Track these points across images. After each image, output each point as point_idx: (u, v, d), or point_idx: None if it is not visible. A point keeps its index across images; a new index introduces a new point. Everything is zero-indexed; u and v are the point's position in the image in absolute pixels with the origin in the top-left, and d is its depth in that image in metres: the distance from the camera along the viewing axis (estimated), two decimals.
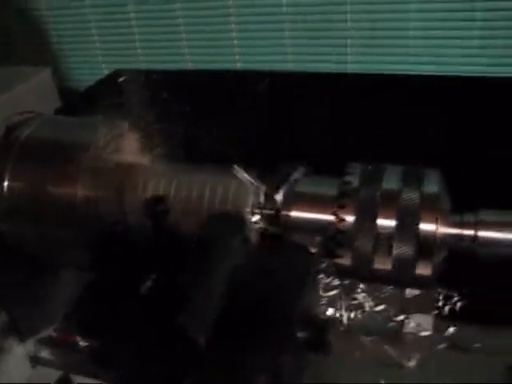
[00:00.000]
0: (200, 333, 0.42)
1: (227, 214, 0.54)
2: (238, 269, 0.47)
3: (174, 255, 0.50)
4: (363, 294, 0.73)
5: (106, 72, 1.34)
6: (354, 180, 0.60)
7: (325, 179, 0.64)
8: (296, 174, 0.62)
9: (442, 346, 0.67)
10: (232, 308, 0.45)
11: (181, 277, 0.48)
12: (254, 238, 0.49)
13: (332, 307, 0.72)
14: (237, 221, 0.51)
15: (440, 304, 0.73)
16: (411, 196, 0.58)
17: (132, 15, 1.36)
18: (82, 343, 0.72)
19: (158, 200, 0.52)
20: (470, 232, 0.58)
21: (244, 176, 0.63)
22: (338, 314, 0.71)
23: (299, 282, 0.52)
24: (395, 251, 0.57)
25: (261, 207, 0.63)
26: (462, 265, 0.63)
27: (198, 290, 0.45)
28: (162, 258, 0.51)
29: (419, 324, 0.68)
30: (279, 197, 0.63)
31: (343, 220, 0.58)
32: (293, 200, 0.63)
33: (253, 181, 0.64)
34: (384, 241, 0.57)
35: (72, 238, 0.66)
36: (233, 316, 0.45)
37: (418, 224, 0.57)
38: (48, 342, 0.75)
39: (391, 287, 0.67)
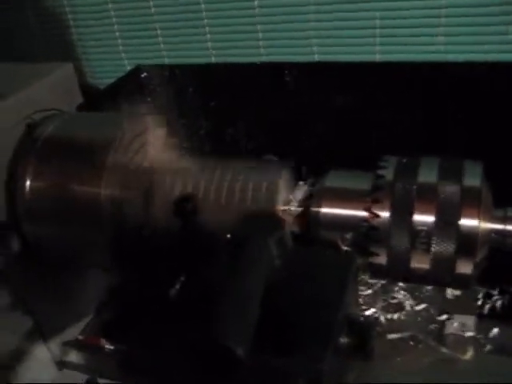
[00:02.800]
0: (239, 343, 0.39)
1: (263, 213, 0.52)
2: (275, 271, 0.45)
3: (204, 256, 0.48)
4: (403, 293, 0.70)
5: (129, 68, 1.33)
6: (387, 173, 0.58)
7: (356, 173, 0.62)
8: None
9: (488, 348, 0.64)
10: (270, 312, 0.43)
11: (212, 279, 0.45)
12: (290, 237, 0.46)
13: (371, 307, 0.70)
14: (273, 219, 0.48)
15: (480, 303, 0.71)
16: (451, 190, 0.55)
17: (153, 10, 1.35)
18: (108, 346, 0.71)
19: (187, 199, 0.50)
20: None
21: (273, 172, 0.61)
22: (376, 314, 0.69)
23: (339, 284, 0.49)
24: (434, 249, 0.54)
25: (291, 204, 0.60)
26: (504, 261, 0.59)
27: (232, 293, 0.42)
28: (190, 258, 0.49)
29: (463, 324, 0.66)
30: (309, 192, 0.61)
31: (377, 216, 0.56)
32: (323, 195, 0.60)
33: (283, 177, 0.61)
34: (422, 238, 0.54)
35: (96, 239, 0.64)
36: (271, 320, 0.43)
37: (458, 220, 0.54)
38: (74, 346, 0.74)
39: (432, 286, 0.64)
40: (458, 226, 0.54)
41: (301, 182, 0.64)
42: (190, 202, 0.49)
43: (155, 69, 1.08)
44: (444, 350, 0.64)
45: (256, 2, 1.23)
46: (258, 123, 0.97)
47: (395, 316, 0.71)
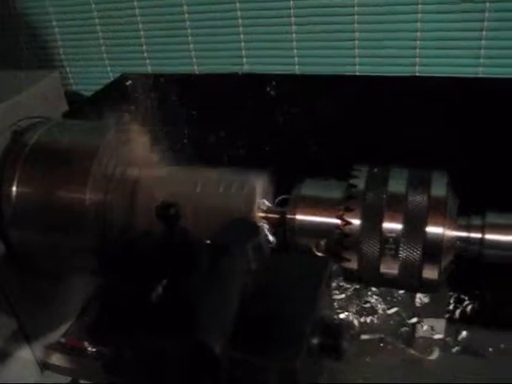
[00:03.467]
0: (216, 340, 0.41)
1: (241, 220, 0.54)
2: (252, 274, 0.47)
3: (186, 261, 0.50)
4: (375, 297, 0.73)
5: (112, 76, 1.34)
6: (360, 183, 0.60)
7: (330, 182, 0.64)
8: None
9: (456, 349, 0.67)
10: (246, 314, 0.45)
11: (193, 283, 0.47)
12: (266, 243, 0.49)
13: (344, 310, 0.72)
14: (251, 226, 0.50)
15: (451, 307, 0.73)
16: (418, 199, 0.58)
17: (139, 19, 1.37)
18: (91, 349, 0.72)
19: (170, 205, 0.52)
20: (477, 235, 0.58)
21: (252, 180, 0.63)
22: (350, 318, 0.71)
23: (313, 287, 0.52)
24: (402, 255, 0.57)
25: (267, 211, 0.63)
26: (472, 268, 0.62)
27: (211, 295, 0.45)
28: (172, 263, 0.51)
29: (432, 327, 0.68)
30: (285, 200, 0.63)
31: (349, 223, 0.58)
32: (298, 203, 0.63)
33: (260, 185, 0.64)
34: (390, 244, 0.57)
35: (81, 244, 0.66)
36: (247, 321, 0.45)
37: (424, 227, 0.57)
38: (57, 348, 0.76)
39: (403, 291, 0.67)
40: (424, 234, 0.56)
41: (277, 190, 0.66)
42: (173, 208, 0.51)
43: (140, 77, 1.10)
44: (412, 351, 0.67)
45: (239, 13, 1.26)
46: (240, 132, 1.00)
47: (368, 319, 0.73)
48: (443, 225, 0.57)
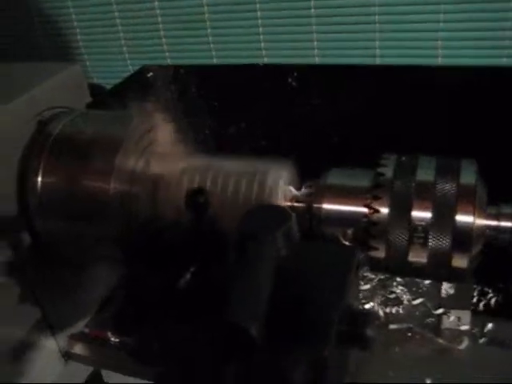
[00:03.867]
0: (252, 323, 0.41)
1: (271, 207, 0.54)
2: (280, 263, 0.47)
3: (215, 248, 0.50)
4: (401, 288, 0.72)
5: (131, 68, 1.35)
6: (387, 171, 0.60)
7: (357, 171, 0.64)
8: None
9: (483, 340, 0.66)
10: (275, 302, 0.45)
11: (222, 270, 0.47)
12: (296, 230, 0.48)
13: (369, 301, 0.72)
14: (280, 213, 0.50)
15: (475, 300, 0.73)
16: (447, 187, 0.57)
17: (158, 11, 1.37)
18: (114, 339, 0.73)
19: (199, 192, 0.52)
20: (508, 224, 0.57)
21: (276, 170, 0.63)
22: (375, 308, 0.71)
23: (342, 276, 0.51)
24: (431, 244, 0.56)
25: (293, 200, 0.62)
26: (495, 259, 0.62)
27: (243, 281, 0.44)
28: (201, 251, 0.51)
29: (459, 318, 0.68)
30: (311, 189, 0.63)
31: (377, 211, 0.58)
32: (325, 192, 0.62)
33: (284, 174, 0.63)
34: (419, 233, 0.56)
35: (106, 234, 0.66)
36: (276, 309, 0.45)
37: (454, 216, 0.56)
38: (80, 338, 0.76)
39: (429, 281, 0.66)
40: (453, 222, 0.56)
41: (304, 180, 0.66)
42: (202, 195, 0.51)
43: (160, 69, 1.10)
44: (440, 340, 0.66)
45: (258, 5, 1.25)
46: (261, 123, 0.99)
47: (393, 310, 0.73)
48: (473, 213, 0.56)
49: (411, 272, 0.60)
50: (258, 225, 0.48)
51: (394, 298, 0.74)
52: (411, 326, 0.68)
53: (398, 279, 0.75)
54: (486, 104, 0.84)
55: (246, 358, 0.41)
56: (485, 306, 0.75)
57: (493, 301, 0.75)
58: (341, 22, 1.20)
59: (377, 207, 0.58)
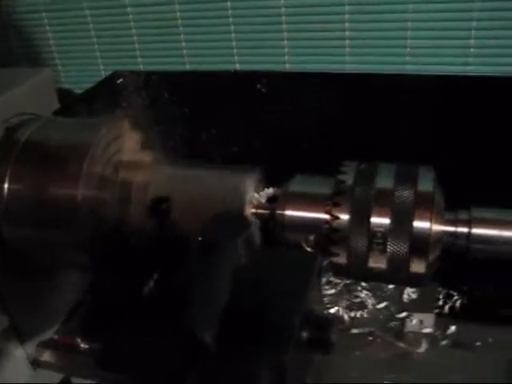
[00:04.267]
0: (206, 331, 0.42)
1: (232, 215, 0.55)
2: (241, 269, 0.48)
3: (177, 255, 0.51)
4: (365, 292, 0.74)
5: (104, 74, 1.35)
6: (348, 178, 0.61)
7: (319, 178, 0.65)
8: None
9: (444, 342, 0.68)
10: (236, 308, 0.46)
11: (184, 277, 0.48)
12: (256, 237, 0.49)
13: (334, 305, 0.73)
14: (241, 220, 0.51)
15: (440, 303, 0.74)
16: (405, 194, 0.58)
17: (131, 17, 1.37)
18: (84, 346, 0.73)
19: (162, 200, 0.52)
20: (464, 229, 0.59)
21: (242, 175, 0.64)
22: (340, 312, 0.72)
23: (302, 282, 0.52)
24: (389, 249, 0.58)
25: (257, 207, 0.63)
26: (460, 263, 0.63)
27: (202, 290, 0.45)
28: (164, 258, 0.51)
29: (421, 321, 0.69)
30: (275, 196, 0.64)
31: (337, 218, 0.59)
32: (287, 199, 0.63)
33: (251, 180, 0.64)
34: (378, 239, 0.58)
35: (73, 240, 0.66)
36: (237, 315, 0.45)
37: (412, 222, 0.57)
38: (49, 345, 0.76)
39: (393, 286, 0.67)
40: (411, 228, 0.57)
41: (268, 186, 0.67)
42: (165, 203, 0.51)
43: (131, 75, 1.10)
44: (401, 344, 0.68)
45: (230, 12, 1.26)
46: (232, 130, 1.00)
47: (358, 314, 0.74)
48: (430, 219, 0.57)
49: (372, 277, 0.61)
50: (219, 232, 0.49)
51: (359, 302, 0.75)
52: (373, 329, 0.70)
53: (363, 284, 0.76)
54: (448, 111, 0.86)
55: (200, 364, 0.42)
56: (450, 308, 0.76)
57: (458, 303, 0.77)
58: (311, 29, 1.22)
59: (337, 214, 0.59)
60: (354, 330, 0.70)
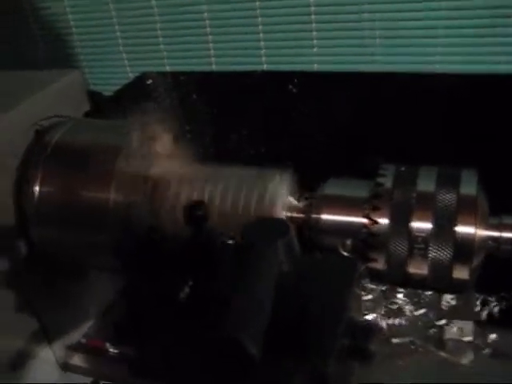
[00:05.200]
0: (253, 342, 0.40)
1: (271, 219, 0.53)
2: (283, 276, 0.46)
3: (214, 260, 0.50)
4: (403, 298, 0.72)
5: (131, 75, 1.35)
6: (387, 181, 0.59)
7: (356, 181, 0.63)
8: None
9: (486, 351, 0.66)
10: (278, 315, 0.44)
11: (222, 282, 0.47)
12: (296, 242, 0.48)
13: (371, 312, 0.71)
14: (281, 225, 0.50)
15: (478, 309, 0.72)
16: (448, 198, 0.56)
17: (157, 18, 1.37)
18: (112, 350, 0.72)
19: (197, 205, 0.51)
20: (509, 234, 0.57)
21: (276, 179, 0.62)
22: (377, 319, 0.70)
23: (343, 289, 0.51)
24: (431, 255, 0.56)
25: (292, 210, 0.62)
26: (496, 267, 0.61)
27: (245, 296, 0.44)
28: (199, 264, 0.50)
29: (461, 329, 0.67)
30: (310, 200, 0.62)
31: (376, 222, 0.57)
32: (323, 203, 0.62)
33: (285, 184, 0.63)
34: (419, 244, 0.56)
35: (104, 243, 0.65)
36: (279, 323, 0.44)
37: (454, 227, 0.55)
38: (78, 349, 0.75)
39: (431, 292, 0.65)
40: (454, 233, 0.55)
41: (301, 189, 0.66)
42: (201, 209, 0.50)
43: (160, 76, 1.10)
44: (443, 354, 0.66)
45: (258, 11, 1.25)
46: (260, 130, 0.99)
47: (396, 321, 0.72)
48: (474, 224, 0.55)
49: (412, 283, 0.59)
50: (259, 236, 0.48)
51: (397, 309, 0.73)
52: (413, 339, 0.68)
53: (400, 289, 0.74)
54: (483, 112, 0.84)
55: (244, 376, 0.40)
56: (488, 315, 0.74)
57: (496, 310, 0.75)
58: (339, 32, 1.20)
59: (376, 218, 0.57)
60: (395, 340, 0.68)
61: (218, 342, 0.41)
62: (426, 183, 0.58)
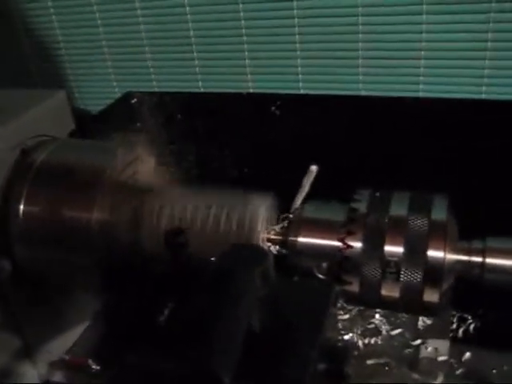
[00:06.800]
0: (225, 369, 0.41)
1: (249, 245, 0.54)
2: (260, 299, 0.47)
3: (192, 284, 0.50)
4: (379, 318, 0.73)
5: (119, 93, 1.36)
6: (361, 206, 0.61)
7: (332, 205, 0.65)
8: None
9: (460, 371, 0.67)
10: (253, 340, 0.45)
11: (200, 307, 0.47)
12: (272, 268, 0.49)
13: (348, 332, 0.72)
14: (258, 252, 0.51)
15: (454, 326, 0.73)
16: (419, 223, 0.58)
17: (145, 39, 1.39)
18: (95, 367, 0.72)
19: (178, 232, 0.52)
20: (478, 259, 0.58)
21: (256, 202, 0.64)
22: (354, 339, 0.71)
23: (319, 313, 0.52)
24: (403, 278, 0.57)
25: (270, 233, 0.63)
26: (474, 288, 0.63)
27: (217, 321, 0.45)
28: (179, 287, 0.51)
29: (436, 349, 0.68)
30: (287, 223, 0.64)
31: (350, 247, 0.59)
32: (300, 225, 0.63)
33: (264, 207, 0.64)
34: (392, 268, 0.57)
35: (87, 263, 0.66)
36: (253, 347, 0.45)
37: (426, 251, 0.57)
38: (60, 366, 0.76)
39: None
40: (425, 257, 0.57)
41: (281, 212, 0.67)
42: (181, 236, 0.51)
43: (145, 95, 1.11)
44: (416, 375, 0.67)
45: (244, 31, 1.27)
46: (244, 151, 1.01)
47: (372, 341, 0.73)
48: (444, 248, 0.57)
49: (384, 306, 0.61)
50: (236, 263, 0.49)
51: (373, 329, 0.74)
52: (388, 360, 0.69)
53: (377, 310, 0.75)
54: (462, 136, 0.86)
55: None
56: (464, 332, 0.75)
57: (472, 327, 0.76)
58: (325, 57, 1.22)
59: (350, 242, 0.59)
60: (369, 361, 0.70)
61: (191, 369, 0.42)
62: (398, 208, 0.60)
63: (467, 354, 0.71)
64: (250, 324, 0.46)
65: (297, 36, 1.23)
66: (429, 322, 0.75)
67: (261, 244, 0.61)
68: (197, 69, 1.34)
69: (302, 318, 0.52)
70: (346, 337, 0.73)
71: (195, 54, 1.34)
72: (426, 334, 0.73)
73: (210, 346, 0.42)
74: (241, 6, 1.25)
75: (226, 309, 0.45)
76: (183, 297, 0.50)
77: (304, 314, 0.53)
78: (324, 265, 0.60)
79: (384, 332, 0.74)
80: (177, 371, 0.45)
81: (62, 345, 0.80)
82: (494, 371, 0.68)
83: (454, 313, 0.76)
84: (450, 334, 0.74)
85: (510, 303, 0.71)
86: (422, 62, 1.15)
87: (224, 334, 0.43)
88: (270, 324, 0.49)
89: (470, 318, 0.77)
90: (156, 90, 1.39)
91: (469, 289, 0.62)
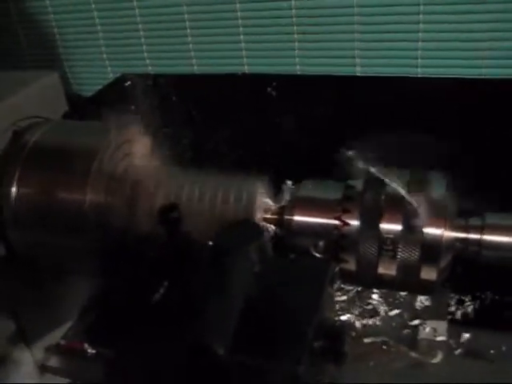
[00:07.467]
0: (220, 343, 0.41)
1: (244, 222, 0.54)
2: (255, 277, 0.47)
3: (188, 262, 0.50)
4: (377, 299, 0.73)
5: (112, 76, 1.35)
6: (358, 184, 0.60)
7: (328, 183, 0.64)
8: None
9: (458, 351, 0.67)
10: (249, 317, 0.45)
11: (195, 284, 0.47)
12: (269, 245, 0.49)
13: (346, 312, 0.72)
14: (253, 228, 0.50)
15: (452, 309, 0.73)
16: (417, 200, 0.57)
17: (139, 19, 1.37)
18: (91, 351, 0.72)
19: (171, 208, 0.52)
20: (476, 236, 0.58)
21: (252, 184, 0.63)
22: (352, 320, 0.71)
23: (316, 289, 0.51)
24: (400, 256, 0.57)
25: (267, 212, 0.63)
26: (471, 267, 0.62)
27: (214, 298, 0.45)
28: (174, 265, 0.51)
29: (435, 329, 0.68)
30: (283, 201, 0.63)
31: (347, 224, 0.58)
32: (296, 204, 0.63)
33: (260, 188, 0.64)
34: (388, 245, 0.57)
35: (81, 245, 0.65)
36: (251, 323, 0.45)
37: (423, 228, 0.56)
38: (56, 350, 0.75)
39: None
40: (422, 234, 0.56)
41: (278, 191, 0.67)
42: (174, 211, 0.51)
43: (139, 77, 1.10)
44: (414, 354, 0.66)
45: (239, 14, 1.26)
46: (240, 132, 1.00)
47: (370, 321, 0.73)
48: (442, 226, 0.57)
49: (381, 284, 0.60)
50: (232, 240, 0.48)
51: (371, 310, 0.74)
52: (386, 339, 0.69)
53: (375, 290, 0.75)
54: (460, 114, 0.85)
55: (213, 376, 0.41)
56: (462, 314, 0.75)
57: (470, 309, 0.76)
58: (322, 31, 1.21)
59: (347, 220, 0.58)
60: (367, 340, 0.69)
61: (188, 346, 0.42)
62: (395, 185, 0.59)
63: (466, 335, 0.71)
64: (247, 300, 0.46)
65: (293, 17, 1.22)
66: (427, 303, 0.74)
67: (258, 221, 0.61)
68: (192, 51, 1.33)
69: (298, 296, 0.52)
70: (344, 317, 0.73)
71: (189, 35, 1.33)
72: (424, 315, 0.73)
73: (205, 321, 0.42)
74: None
75: (222, 284, 0.45)
76: (178, 274, 0.50)
77: (301, 292, 0.52)
78: (321, 243, 0.59)
79: (382, 313, 0.74)
80: (172, 349, 0.45)
81: (57, 329, 0.80)
82: (492, 351, 0.68)
83: (453, 295, 0.76)
84: (449, 316, 0.73)
85: (508, 284, 0.71)
86: (420, 35, 1.13)
87: (219, 309, 0.43)
88: (266, 301, 0.49)
89: (468, 300, 0.76)
90: (150, 72, 1.37)
91: (467, 271, 0.62)
